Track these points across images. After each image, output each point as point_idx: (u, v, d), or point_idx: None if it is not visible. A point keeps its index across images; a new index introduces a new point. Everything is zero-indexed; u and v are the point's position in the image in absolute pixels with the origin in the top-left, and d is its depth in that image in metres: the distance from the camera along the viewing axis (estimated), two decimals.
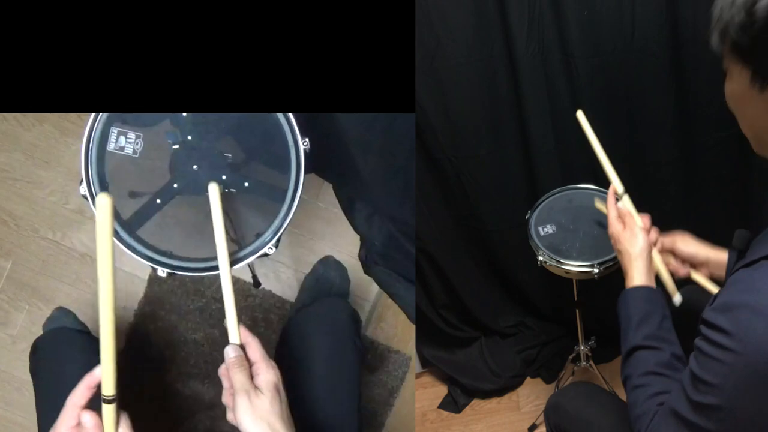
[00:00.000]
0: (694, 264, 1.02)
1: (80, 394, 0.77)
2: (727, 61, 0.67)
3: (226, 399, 0.84)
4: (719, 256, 0.99)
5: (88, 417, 0.76)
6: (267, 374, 0.83)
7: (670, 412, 0.71)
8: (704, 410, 0.65)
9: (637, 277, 0.93)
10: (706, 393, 0.65)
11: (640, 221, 1.00)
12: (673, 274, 1.02)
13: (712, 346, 0.64)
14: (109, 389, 0.76)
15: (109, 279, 0.70)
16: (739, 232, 0.77)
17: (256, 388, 0.81)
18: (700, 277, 1.01)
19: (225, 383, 0.84)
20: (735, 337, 0.61)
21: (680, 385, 0.70)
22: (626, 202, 1.04)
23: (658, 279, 0.99)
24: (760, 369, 0.59)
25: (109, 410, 0.76)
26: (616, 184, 1.07)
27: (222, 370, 0.85)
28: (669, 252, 1.03)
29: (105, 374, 0.75)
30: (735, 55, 0.65)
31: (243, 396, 0.79)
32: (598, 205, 1.21)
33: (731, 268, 0.78)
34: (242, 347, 0.87)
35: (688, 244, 1.02)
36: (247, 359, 0.85)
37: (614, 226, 1.00)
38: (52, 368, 1.14)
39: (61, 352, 1.18)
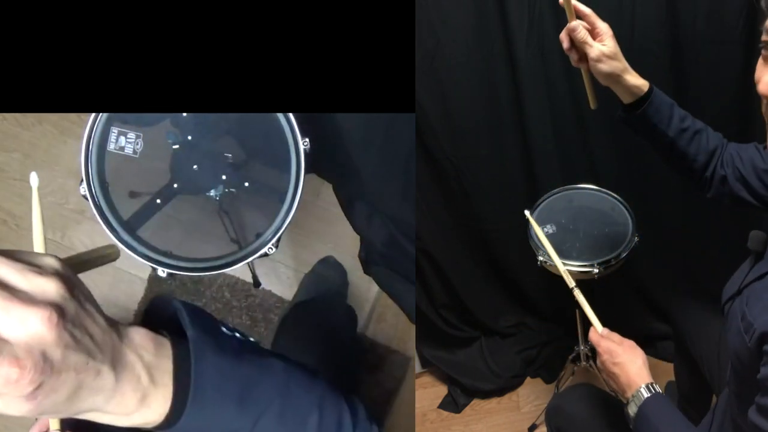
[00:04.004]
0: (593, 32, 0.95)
1: None
2: None
3: None
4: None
5: None
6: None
7: None
8: None
9: (643, 385, 0.84)
10: None
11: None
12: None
13: None
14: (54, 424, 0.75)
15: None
16: (755, 233, 0.74)
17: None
18: (583, 300, 0.96)
19: None
20: None
21: None
22: (578, 295, 0.97)
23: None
24: None
25: None
26: (567, 279, 1.00)
27: None
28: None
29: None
30: None
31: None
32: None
33: (748, 270, 0.74)
34: None
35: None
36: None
37: (605, 342, 0.88)
38: None
39: None
